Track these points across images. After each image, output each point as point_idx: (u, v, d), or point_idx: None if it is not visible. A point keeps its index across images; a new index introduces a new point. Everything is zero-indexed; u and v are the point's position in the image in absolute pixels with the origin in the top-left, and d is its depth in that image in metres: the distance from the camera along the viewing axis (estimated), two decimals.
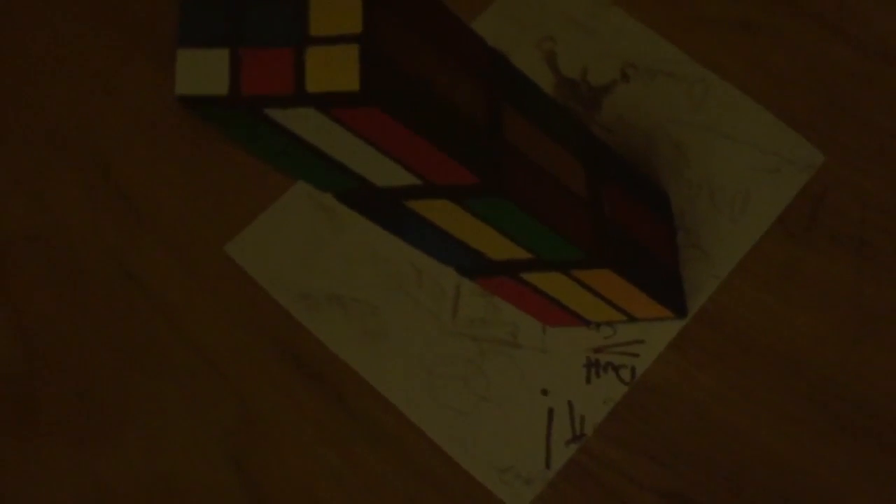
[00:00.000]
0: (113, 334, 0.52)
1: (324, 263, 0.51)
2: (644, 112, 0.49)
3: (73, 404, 0.51)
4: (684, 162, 0.49)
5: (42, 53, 0.59)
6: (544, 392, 0.47)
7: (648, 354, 0.46)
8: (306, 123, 0.32)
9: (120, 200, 0.55)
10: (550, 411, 0.46)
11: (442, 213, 0.37)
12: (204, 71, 0.31)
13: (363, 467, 0.47)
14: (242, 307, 0.51)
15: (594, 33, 0.50)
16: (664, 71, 0.50)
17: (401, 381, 0.48)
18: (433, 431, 0.47)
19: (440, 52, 0.35)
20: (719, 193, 0.48)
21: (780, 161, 0.47)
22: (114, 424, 0.50)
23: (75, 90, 0.58)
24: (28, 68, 0.59)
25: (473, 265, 0.41)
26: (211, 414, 0.50)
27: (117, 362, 0.51)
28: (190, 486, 0.48)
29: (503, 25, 0.53)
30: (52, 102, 0.58)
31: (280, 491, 0.48)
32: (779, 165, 0.47)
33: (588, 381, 0.46)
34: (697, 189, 0.48)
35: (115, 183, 0.55)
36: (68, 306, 0.53)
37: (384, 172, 0.35)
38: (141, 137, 0.56)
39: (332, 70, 0.31)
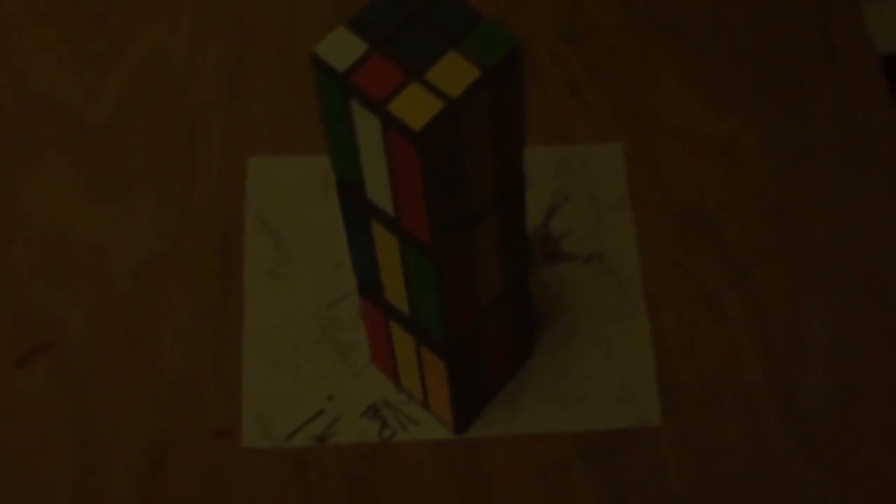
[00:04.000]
0: None
1: None
2: (568, 301, 0.58)
3: None
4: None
5: None
6: (330, 397, 0.56)
7: (412, 434, 0.55)
8: (368, 123, 0.41)
9: None
10: (321, 411, 0.55)
11: (385, 243, 0.46)
12: (343, 49, 0.40)
13: None
14: None
15: (600, 219, 0.60)
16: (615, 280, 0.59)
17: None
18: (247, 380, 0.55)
19: (493, 151, 0.43)
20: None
21: None
22: None
23: None
24: None
25: (372, 288, 0.50)
26: None
27: None
28: None
29: (545, 159, 0.62)
30: None
31: None
32: None
33: (362, 415, 0.55)
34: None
35: None
36: None
37: (380, 189, 0.44)
38: None
39: (414, 106, 0.40)
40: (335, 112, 0.42)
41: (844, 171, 0.62)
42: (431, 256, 0.44)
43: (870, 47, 0.66)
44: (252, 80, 0.65)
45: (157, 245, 0.60)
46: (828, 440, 0.55)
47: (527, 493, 0.54)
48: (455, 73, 0.40)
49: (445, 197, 0.43)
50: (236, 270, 0.59)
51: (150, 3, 0.68)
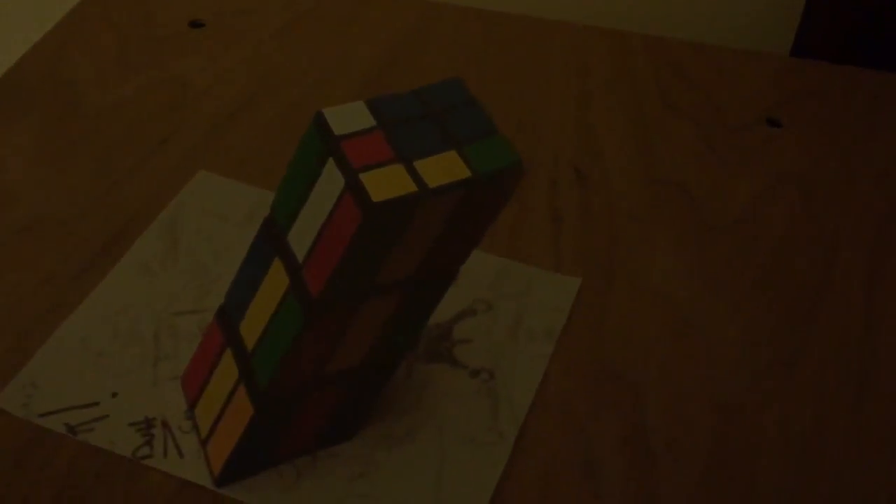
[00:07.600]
0: None
1: None
2: (425, 405, 0.48)
3: None
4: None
5: None
6: (114, 395, 0.48)
7: (168, 465, 0.45)
8: (332, 178, 0.39)
9: None
10: (94, 403, 0.47)
11: (274, 282, 0.42)
12: (350, 119, 0.39)
13: None
14: None
15: (513, 342, 0.50)
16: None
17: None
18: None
19: (435, 248, 0.40)
20: None
21: None
22: None
23: None
24: None
25: (230, 314, 0.45)
26: None
27: None
28: None
29: (490, 267, 0.54)
30: None
31: None
32: None
33: (132, 424, 0.46)
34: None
35: None
36: None
37: (303, 236, 0.40)
38: None
39: (384, 182, 0.38)
40: (306, 164, 0.40)
41: None
42: (308, 310, 0.40)
43: None
44: (253, 112, 0.63)
45: (60, 209, 0.57)
46: None
47: None
48: (445, 169, 0.38)
49: (360, 268, 0.39)
50: (113, 259, 0.54)
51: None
